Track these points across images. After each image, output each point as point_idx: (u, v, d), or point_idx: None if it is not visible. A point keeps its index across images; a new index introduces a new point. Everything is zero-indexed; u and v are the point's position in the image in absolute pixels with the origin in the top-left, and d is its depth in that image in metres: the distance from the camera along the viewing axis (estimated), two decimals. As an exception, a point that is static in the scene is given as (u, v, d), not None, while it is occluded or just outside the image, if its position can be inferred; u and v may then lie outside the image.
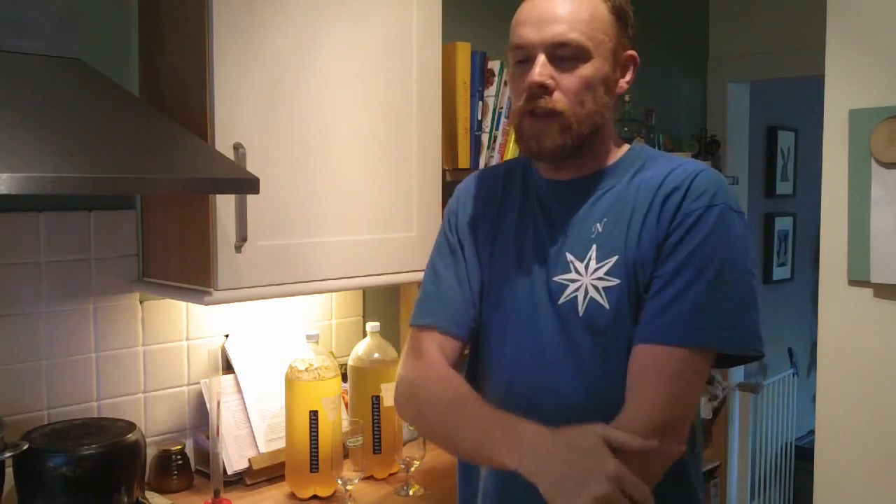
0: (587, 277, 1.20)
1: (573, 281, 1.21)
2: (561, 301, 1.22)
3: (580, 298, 1.20)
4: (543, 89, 1.18)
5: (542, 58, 1.18)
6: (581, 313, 1.20)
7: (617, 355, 1.19)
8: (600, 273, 1.19)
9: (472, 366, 1.37)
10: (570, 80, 1.18)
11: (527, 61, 1.21)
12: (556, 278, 1.23)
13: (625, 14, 1.24)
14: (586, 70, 1.19)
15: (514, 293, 1.27)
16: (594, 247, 1.21)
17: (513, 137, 1.40)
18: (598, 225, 1.22)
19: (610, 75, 1.22)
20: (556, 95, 1.18)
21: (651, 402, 1.12)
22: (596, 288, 1.19)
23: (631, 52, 1.26)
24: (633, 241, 1.18)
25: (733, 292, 1.15)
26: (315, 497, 1.82)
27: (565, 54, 1.18)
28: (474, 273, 1.33)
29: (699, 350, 1.13)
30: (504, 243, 1.31)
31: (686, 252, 1.15)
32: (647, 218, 1.19)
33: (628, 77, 1.26)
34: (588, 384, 1.20)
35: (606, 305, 1.18)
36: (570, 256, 1.22)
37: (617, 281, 1.18)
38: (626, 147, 1.30)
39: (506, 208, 1.34)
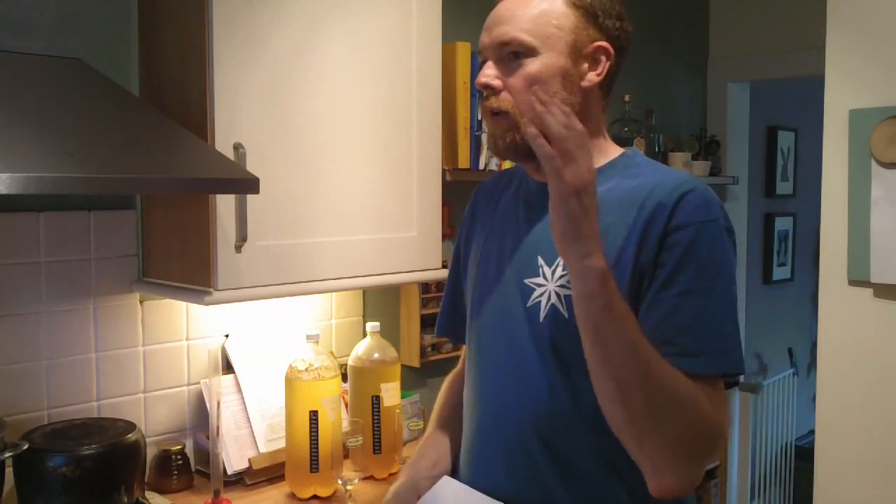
0: (552, 283, 1.19)
1: (539, 285, 1.21)
2: (529, 304, 1.21)
3: (543, 304, 1.20)
4: (490, 90, 1.21)
5: (489, 61, 1.21)
6: (541, 318, 1.19)
7: (579, 364, 1.13)
8: (564, 281, 1.18)
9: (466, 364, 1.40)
10: (514, 78, 1.19)
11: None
12: (526, 280, 1.23)
13: (589, 4, 1.20)
14: (531, 67, 1.18)
15: (493, 293, 1.29)
16: None
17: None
18: None
19: (568, 69, 1.19)
20: (503, 95, 1.20)
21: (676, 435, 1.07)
22: (558, 295, 1.18)
23: (600, 42, 1.21)
24: (609, 255, 1.13)
25: (728, 315, 1.12)
26: (315, 497, 1.82)
27: (509, 53, 1.19)
28: (465, 278, 1.41)
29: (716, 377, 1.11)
30: (491, 244, 1.33)
31: (686, 278, 1.10)
32: (629, 236, 1.14)
33: (599, 69, 1.21)
34: (562, 383, 1.18)
35: (566, 314, 1.16)
36: (540, 260, 1.22)
37: None
38: (618, 151, 1.27)
39: (500, 210, 1.36)
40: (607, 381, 1.06)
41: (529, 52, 1.18)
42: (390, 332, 2.25)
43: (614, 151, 1.27)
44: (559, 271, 1.19)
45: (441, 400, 1.51)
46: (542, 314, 1.19)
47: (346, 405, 2.02)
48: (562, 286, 1.18)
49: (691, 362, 1.08)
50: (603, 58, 1.21)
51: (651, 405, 1.04)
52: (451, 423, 1.44)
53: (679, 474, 1.06)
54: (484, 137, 2.21)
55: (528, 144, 1.13)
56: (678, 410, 1.05)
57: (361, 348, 1.98)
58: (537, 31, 1.18)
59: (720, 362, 1.10)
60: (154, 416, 1.88)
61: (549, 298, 1.19)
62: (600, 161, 1.24)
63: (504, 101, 1.19)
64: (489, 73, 1.20)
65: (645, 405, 1.04)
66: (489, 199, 1.41)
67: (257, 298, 1.69)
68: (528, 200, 1.30)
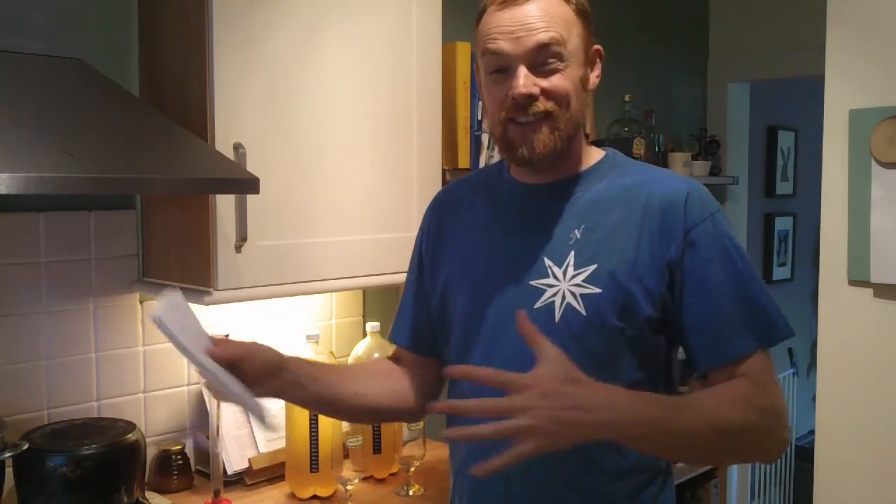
0: (565, 283, 1.20)
1: (550, 286, 1.21)
2: (538, 305, 1.21)
3: (557, 304, 1.19)
4: (530, 99, 1.18)
5: (523, 69, 1.17)
6: (557, 319, 1.19)
7: (597, 360, 1.17)
8: (578, 280, 1.19)
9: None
10: (552, 82, 1.18)
11: (503, 70, 1.20)
12: (533, 283, 1.22)
13: (587, 12, 1.24)
14: (567, 71, 1.19)
15: (490, 299, 1.26)
16: (572, 253, 1.20)
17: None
18: (576, 231, 1.22)
19: (584, 73, 1.23)
20: (541, 100, 1.18)
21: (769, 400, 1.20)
22: (573, 294, 1.19)
23: (597, 46, 1.26)
24: (625, 252, 1.18)
25: (762, 289, 1.22)
26: (315, 497, 1.82)
27: (545, 57, 1.18)
28: (434, 289, 1.37)
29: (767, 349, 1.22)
30: (475, 251, 1.31)
31: (717, 267, 1.18)
32: (641, 234, 1.19)
33: (597, 72, 1.26)
34: None
35: (583, 312, 1.18)
36: (547, 261, 1.22)
37: (598, 290, 1.18)
38: (600, 152, 1.30)
39: (475, 216, 1.33)
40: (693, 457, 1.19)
41: (564, 56, 1.18)
42: (390, 332, 2.25)
43: (597, 153, 1.30)
44: (571, 271, 1.20)
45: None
46: (558, 314, 1.19)
47: (346, 405, 2.02)
48: (576, 285, 1.19)
49: (745, 344, 1.18)
50: (598, 60, 1.26)
51: (729, 449, 1.16)
52: (358, 372, 1.48)
53: (771, 455, 1.20)
54: (484, 137, 2.20)
55: (562, 148, 1.20)
56: (748, 436, 1.15)
57: (361, 348, 1.98)
58: (567, 35, 1.19)
59: (767, 335, 1.20)
60: (154, 416, 1.88)
61: (563, 298, 1.19)
62: (589, 162, 1.28)
63: (548, 102, 1.18)
64: (528, 83, 1.17)
65: (725, 452, 1.19)
66: (457, 207, 1.38)
67: (257, 298, 1.69)
68: (513, 203, 1.29)
